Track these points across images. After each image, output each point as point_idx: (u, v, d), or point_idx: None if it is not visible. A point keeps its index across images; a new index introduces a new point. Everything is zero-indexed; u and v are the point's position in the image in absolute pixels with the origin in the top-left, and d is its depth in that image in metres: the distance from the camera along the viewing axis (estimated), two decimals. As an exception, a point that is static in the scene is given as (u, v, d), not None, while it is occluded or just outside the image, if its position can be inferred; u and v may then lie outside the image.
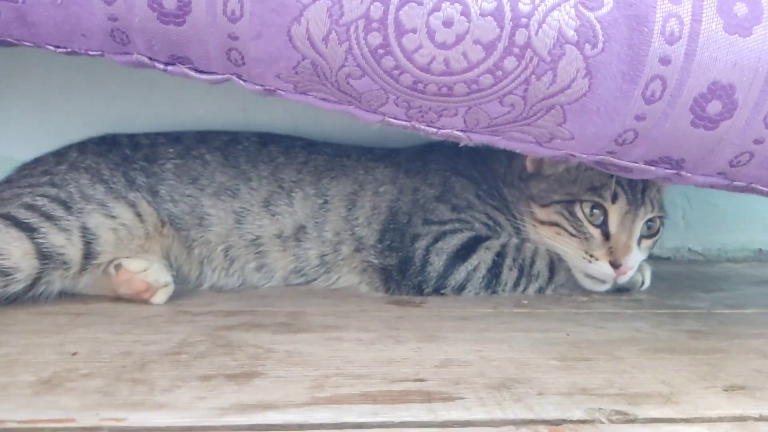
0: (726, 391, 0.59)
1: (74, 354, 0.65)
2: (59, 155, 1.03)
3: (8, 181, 1.00)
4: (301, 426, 0.50)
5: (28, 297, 0.84)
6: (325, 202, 1.02)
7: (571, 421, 0.51)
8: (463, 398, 0.55)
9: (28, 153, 1.10)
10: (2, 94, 1.20)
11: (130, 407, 0.52)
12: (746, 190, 0.74)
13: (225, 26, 0.63)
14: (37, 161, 1.04)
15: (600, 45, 0.61)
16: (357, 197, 1.03)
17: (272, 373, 0.61)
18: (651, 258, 1.12)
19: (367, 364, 0.64)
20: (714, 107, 0.63)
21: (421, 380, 0.60)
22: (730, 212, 1.36)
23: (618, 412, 0.53)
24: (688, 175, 0.70)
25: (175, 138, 1.08)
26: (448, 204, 1.03)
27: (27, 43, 0.71)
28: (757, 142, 0.66)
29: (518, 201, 1.04)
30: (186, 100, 1.20)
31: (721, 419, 0.53)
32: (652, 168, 0.70)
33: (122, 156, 1.02)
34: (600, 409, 0.53)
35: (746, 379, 0.62)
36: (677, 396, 0.57)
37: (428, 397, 0.56)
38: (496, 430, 0.49)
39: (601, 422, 0.51)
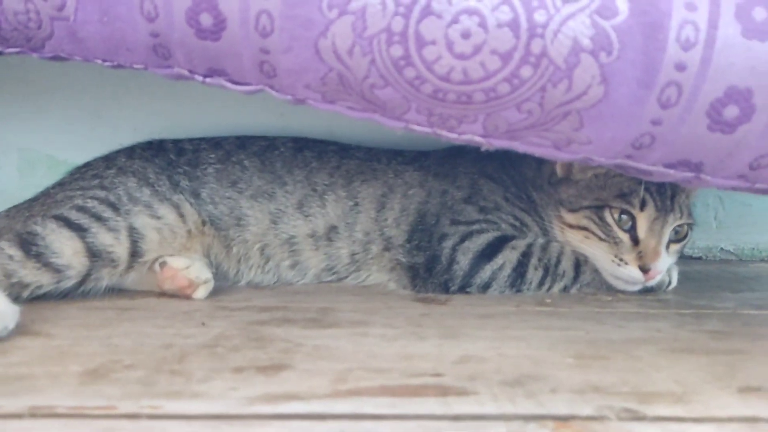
0: (740, 392, 0.60)
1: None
2: (108, 160, 1.10)
3: (61, 184, 1.07)
4: (322, 416, 0.53)
5: (78, 292, 0.91)
6: (356, 204, 1.06)
7: (580, 418, 0.53)
8: (477, 393, 0.58)
9: (81, 157, 1.18)
10: (58, 103, 1.28)
11: (167, 396, 0.57)
12: (769, 191, 0.74)
13: (257, 41, 0.68)
14: (87, 165, 1.10)
15: (615, 53, 0.62)
16: (386, 200, 1.07)
17: (300, 366, 0.65)
18: (682, 257, 1.12)
19: (389, 359, 0.68)
20: (731, 111, 0.64)
21: (438, 375, 0.63)
22: (765, 211, 1.33)
23: (627, 410, 0.55)
24: (708, 178, 0.71)
25: (216, 144, 1.13)
26: (476, 205, 1.05)
27: (77, 58, 0.77)
28: (776, 145, 0.66)
29: (547, 205, 1.05)
30: (227, 106, 1.26)
31: (731, 419, 0.54)
32: (672, 171, 0.71)
33: (167, 161, 1.08)
34: (610, 406, 0.55)
35: (763, 380, 0.63)
36: (689, 395, 0.59)
37: (444, 392, 0.59)
38: (506, 424, 0.52)
39: (610, 419, 0.53)
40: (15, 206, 1.06)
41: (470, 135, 0.72)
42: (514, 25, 0.62)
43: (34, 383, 0.60)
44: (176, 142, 1.14)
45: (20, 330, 0.74)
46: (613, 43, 0.62)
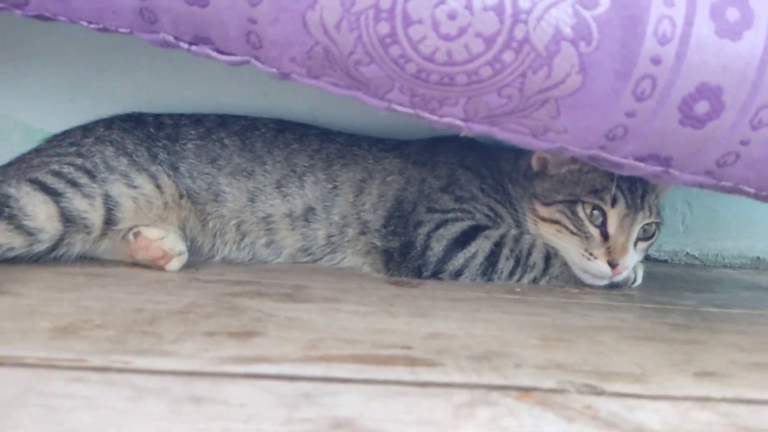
0: (696, 375, 0.62)
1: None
2: (87, 129, 1.09)
3: (37, 150, 1.06)
4: (292, 377, 0.54)
5: (50, 257, 0.90)
6: (335, 187, 1.07)
7: (542, 390, 0.55)
8: (444, 365, 0.60)
9: (57, 126, 1.17)
10: (38, 71, 1.27)
11: (137, 353, 0.57)
12: (733, 191, 0.77)
13: (245, 10, 0.68)
14: (66, 134, 1.10)
15: (594, 43, 0.64)
16: (365, 185, 1.08)
17: (272, 333, 0.66)
18: (648, 260, 1.15)
19: (360, 332, 0.69)
20: (702, 107, 0.67)
21: (407, 348, 0.64)
22: (730, 219, 1.38)
23: (588, 386, 0.57)
24: (676, 172, 0.74)
25: (197, 120, 1.13)
26: (453, 195, 1.07)
27: (62, 18, 0.77)
28: (743, 143, 0.69)
29: (522, 198, 1.08)
30: (210, 84, 1.26)
31: (685, 398, 0.56)
32: (642, 164, 0.74)
33: (146, 133, 1.08)
34: (571, 381, 0.57)
35: (719, 367, 0.65)
36: (647, 376, 0.61)
37: (412, 362, 0.60)
38: (470, 391, 0.53)
39: (570, 392, 0.55)
40: (-12, 171, 1.05)
41: (450, 118, 0.73)
42: (499, 9, 0.64)
43: (3, 337, 0.59)
44: (156, 116, 1.14)
45: (-11, 289, 0.74)
46: (593, 33, 0.64)
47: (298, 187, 1.06)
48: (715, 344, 0.74)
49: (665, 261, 1.39)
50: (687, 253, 1.40)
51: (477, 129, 0.74)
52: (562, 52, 0.64)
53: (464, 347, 0.66)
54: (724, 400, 0.56)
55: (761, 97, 0.66)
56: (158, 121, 1.12)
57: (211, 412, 0.46)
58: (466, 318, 0.78)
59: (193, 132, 1.11)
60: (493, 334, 0.71)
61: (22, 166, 1.02)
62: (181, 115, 1.15)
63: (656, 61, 0.65)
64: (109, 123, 1.10)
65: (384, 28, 0.66)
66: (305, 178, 1.07)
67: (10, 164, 1.05)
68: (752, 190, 0.76)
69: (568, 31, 0.64)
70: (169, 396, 0.49)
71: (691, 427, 0.50)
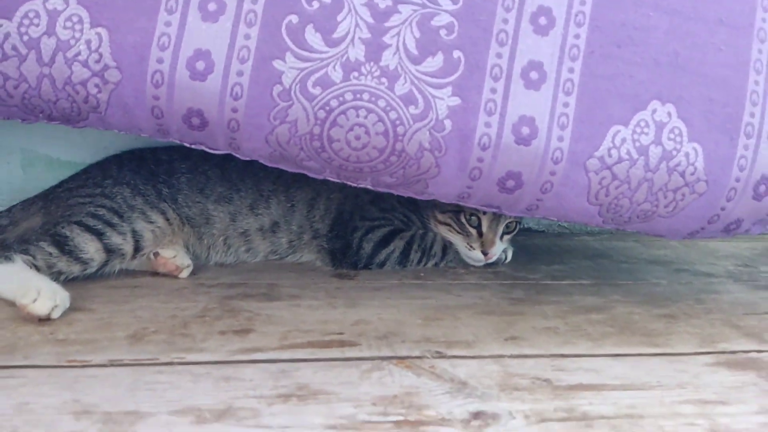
0: (505, 340, 1.09)
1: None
2: (103, 169, 1.46)
3: (68, 189, 1.42)
4: (275, 360, 0.99)
5: (98, 275, 1.31)
6: (292, 205, 1.49)
7: (411, 357, 1.01)
8: (360, 344, 1.05)
9: (73, 156, 1.55)
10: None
11: (185, 351, 1.01)
12: (544, 218, 1.22)
13: (228, 134, 1.08)
14: (86, 173, 1.46)
15: (443, 150, 1.07)
16: (315, 202, 1.50)
17: (259, 329, 1.10)
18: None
19: (312, 323, 1.13)
20: (510, 183, 1.10)
21: (340, 333, 1.09)
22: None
23: (437, 352, 1.03)
24: (506, 212, 1.18)
25: (184, 155, 1.51)
26: (378, 206, 1.51)
27: (100, 128, 1.15)
28: (538, 200, 1.13)
29: (426, 207, 1.52)
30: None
31: (489, 356, 1.03)
32: (485, 208, 1.18)
33: (149, 171, 1.46)
34: (429, 350, 1.03)
35: (521, 332, 1.13)
36: (475, 343, 1.07)
37: (342, 344, 1.05)
38: (371, 362, 0.99)
39: (426, 358, 1.01)
40: (26, 201, 1.42)
41: (364, 185, 1.16)
42: (385, 133, 1.05)
43: (101, 345, 1.01)
44: (153, 151, 1.52)
45: (71, 308, 1.15)
46: (441, 145, 1.06)
47: (265, 208, 1.48)
48: (530, 314, 1.22)
49: (542, 231, 1.87)
50: (559, 224, 1.88)
51: (382, 190, 1.17)
52: (425, 157, 1.07)
53: (375, 330, 1.11)
54: (510, 356, 1.03)
55: (544, 175, 1.10)
56: (156, 157, 1.50)
57: (237, 385, 0.91)
58: (381, 305, 1.23)
59: (183, 166, 1.49)
60: (394, 318, 1.17)
61: (60, 204, 1.39)
62: (171, 149, 1.53)
63: (480, 160, 1.07)
64: (119, 163, 1.47)
65: (317, 143, 1.07)
66: (270, 200, 1.48)
67: (48, 198, 1.42)
68: (555, 219, 1.21)
69: (427, 145, 1.06)
70: (212, 377, 0.93)
71: (481, 374, 0.96)
